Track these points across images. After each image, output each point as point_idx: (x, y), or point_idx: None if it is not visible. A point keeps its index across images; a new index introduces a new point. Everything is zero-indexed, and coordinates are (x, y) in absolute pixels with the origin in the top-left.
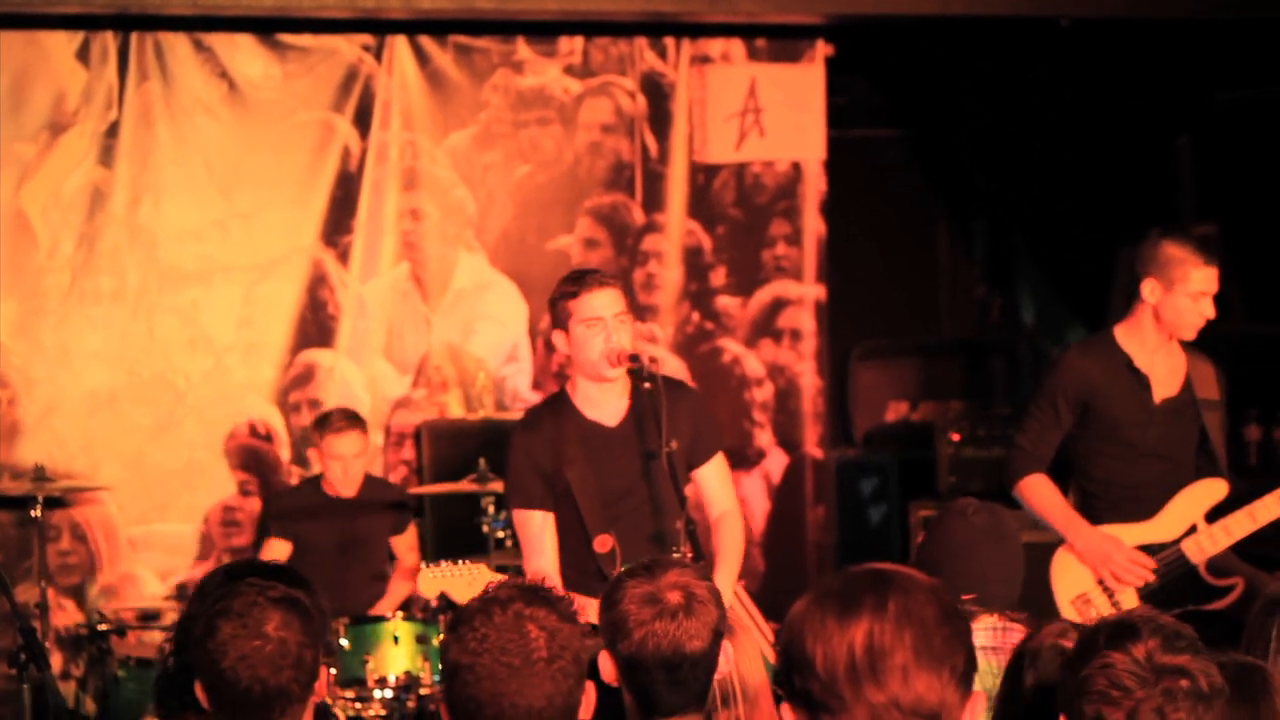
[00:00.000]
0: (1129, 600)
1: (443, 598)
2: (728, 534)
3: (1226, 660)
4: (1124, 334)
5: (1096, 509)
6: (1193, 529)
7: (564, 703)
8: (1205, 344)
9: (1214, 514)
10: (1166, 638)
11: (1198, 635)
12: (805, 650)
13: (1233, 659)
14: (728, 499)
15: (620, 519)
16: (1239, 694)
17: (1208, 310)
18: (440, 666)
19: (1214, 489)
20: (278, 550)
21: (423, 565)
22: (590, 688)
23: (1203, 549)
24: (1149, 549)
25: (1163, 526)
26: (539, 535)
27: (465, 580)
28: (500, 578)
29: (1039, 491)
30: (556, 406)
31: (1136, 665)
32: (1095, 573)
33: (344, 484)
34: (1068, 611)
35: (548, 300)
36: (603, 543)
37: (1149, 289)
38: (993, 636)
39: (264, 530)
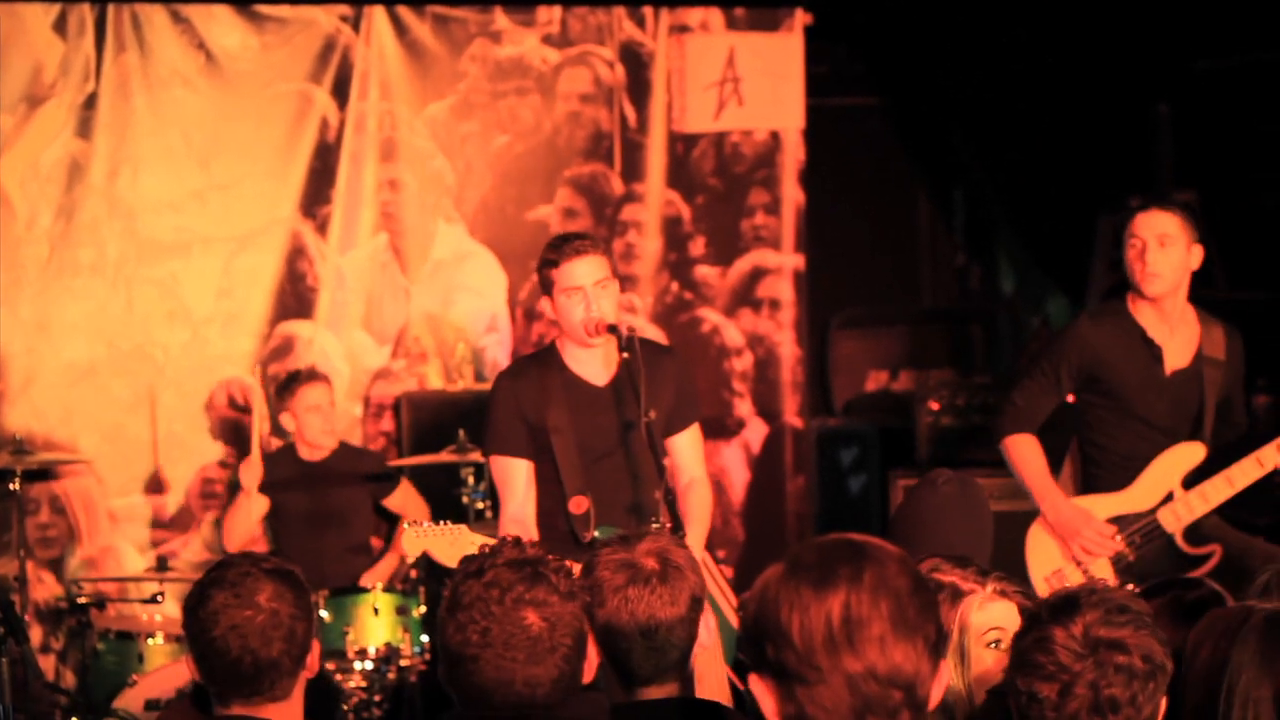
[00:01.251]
0: (1103, 571)
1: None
2: (696, 500)
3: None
4: (1134, 305)
5: (1095, 475)
6: (1169, 497)
7: (569, 681)
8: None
9: (1194, 478)
10: (1108, 611)
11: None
12: (780, 621)
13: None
14: (697, 467)
15: (599, 482)
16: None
17: (1147, 257)
18: (432, 644)
19: (1191, 453)
20: (255, 504)
21: (405, 525)
22: (592, 652)
23: (1179, 517)
24: (1125, 519)
25: (1139, 496)
26: (517, 481)
27: (447, 540)
28: (483, 539)
29: (1023, 452)
30: (545, 359)
31: (1072, 640)
32: (1066, 547)
33: (324, 434)
34: (1041, 587)
35: (536, 266)
36: (578, 503)
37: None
38: None
39: (236, 488)
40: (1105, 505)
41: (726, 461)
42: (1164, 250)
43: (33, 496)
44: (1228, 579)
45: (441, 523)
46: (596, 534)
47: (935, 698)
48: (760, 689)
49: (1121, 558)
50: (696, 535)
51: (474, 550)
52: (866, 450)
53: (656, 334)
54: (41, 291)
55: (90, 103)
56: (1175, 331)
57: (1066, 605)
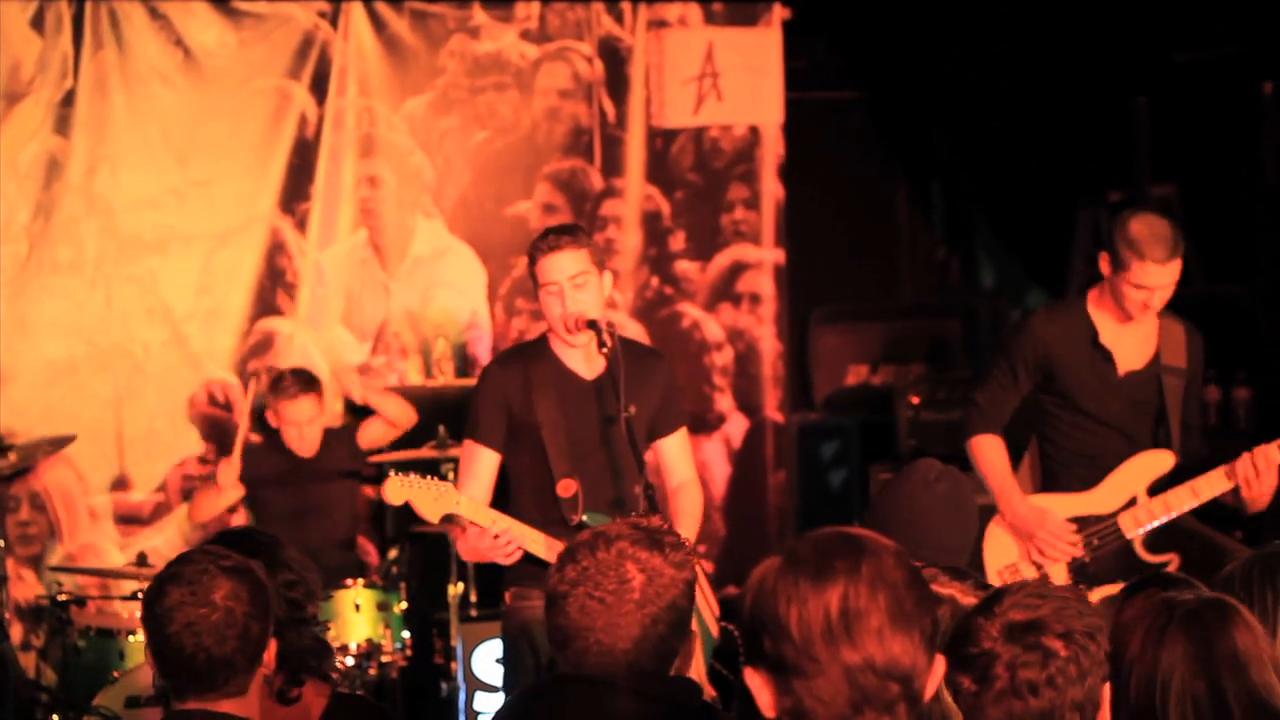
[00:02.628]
0: (1058, 574)
1: (404, 550)
2: (687, 499)
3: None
4: (1095, 302)
5: (1051, 470)
6: (1132, 501)
7: (654, 650)
8: (1165, 305)
9: (1160, 486)
10: (1026, 595)
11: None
12: (778, 613)
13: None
14: (687, 469)
15: (584, 473)
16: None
17: (1153, 303)
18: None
19: (1159, 461)
20: (227, 493)
21: (391, 473)
22: (698, 654)
23: (1138, 522)
24: (1085, 520)
25: (1101, 498)
26: (480, 470)
27: (432, 495)
28: (466, 498)
29: (986, 452)
30: (535, 349)
31: (990, 626)
32: (1024, 545)
33: (301, 447)
34: (995, 580)
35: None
36: (566, 486)
37: (1102, 262)
38: None
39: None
40: (1066, 505)
41: (707, 456)
42: (1165, 293)
43: (13, 494)
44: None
45: (429, 476)
46: (584, 518)
47: (930, 691)
48: (756, 682)
49: (1077, 560)
50: (686, 533)
51: (458, 509)
52: (847, 444)
53: (637, 329)
54: (20, 290)
55: (68, 100)
56: (1131, 333)
57: (993, 597)
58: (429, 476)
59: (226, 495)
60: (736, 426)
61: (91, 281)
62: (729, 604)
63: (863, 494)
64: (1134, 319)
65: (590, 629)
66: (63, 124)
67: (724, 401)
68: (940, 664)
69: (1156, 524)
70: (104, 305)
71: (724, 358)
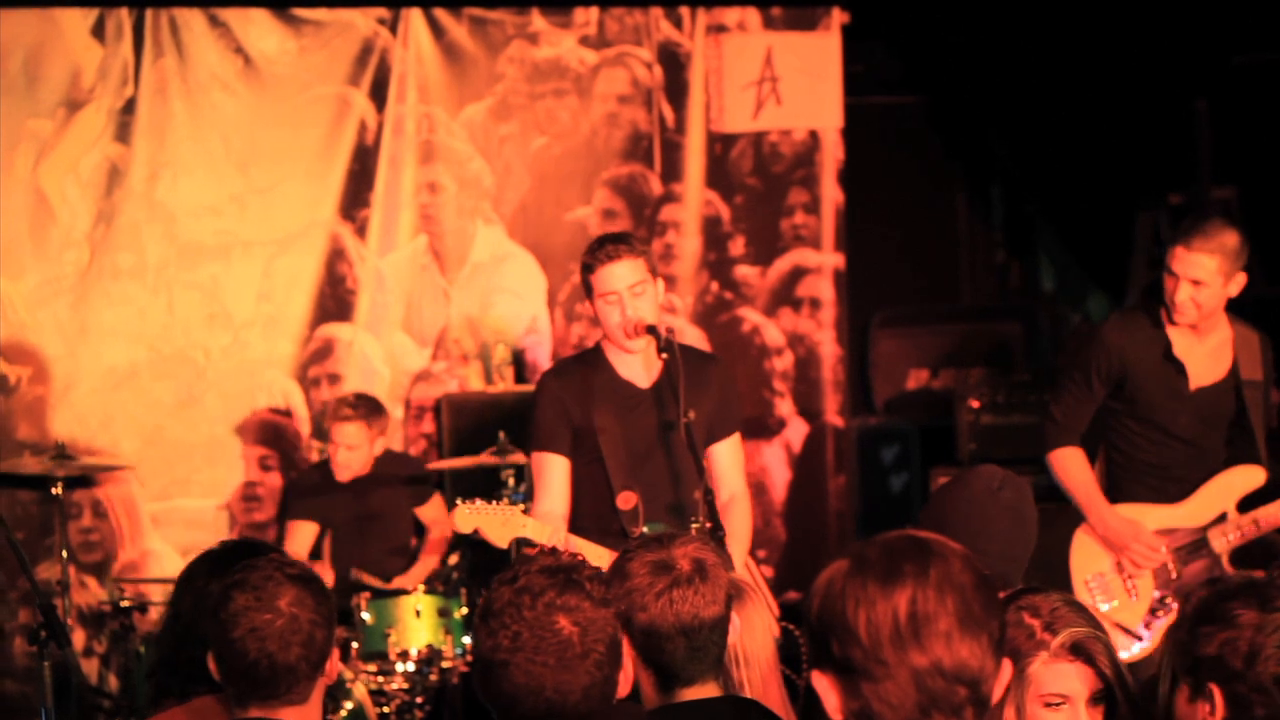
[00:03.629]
0: (1145, 585)
1: (467, 563)
2: (737, 517)
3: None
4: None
5: (1119, 478)
6: (1223, 517)
7: (601, 691)
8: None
9: (1248, 502)
10: None
11: None
12: (846, 616)
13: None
14: (737, 481)
15: (641, 482)
16: None
17: (1185, 295)
18: (469, 651)
19: (1250, 476)
20: (305, 532)
21: (459, 502)
22: (628, 662)
23: (1228, 539)
24: (1174, 534)
25: (1192, 511)
26: (554, 479)
27: (500, 519)
28: (535, 522)
29: (1068, 466)
30: (590, 360)
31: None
32: (1113, 555)
33: (345, 470)
34: (1080, 591)
35: (579, 280)
36: (626, 499)
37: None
38: None
39: (284, 513)
40: (1157, 517)
41: (768, 461)
42: (1197, 291)
43: (74, 501)
44: None
45: (494, 501)
46: (645, 529)
47: (997, 695)
48: (824, 685)
49: (1166, 571)
50: (737, 551)
51: (525, 532)
52: (908, 449)
53: (696, 334)
54: (82, 296)
55: (129, 107)
56: (1204, 345)
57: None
58: (495, 502)
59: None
60: (797, 431)
61: (153, 288)
62: (790, 609)
63: (923, 498)
64: (1176, 320)
65: (539, 690)
66: (124, 131)
67: (784, 406)
68: (1008, 668)
69: (1246, 540)
70: (165, 311)
71: (784, 362)
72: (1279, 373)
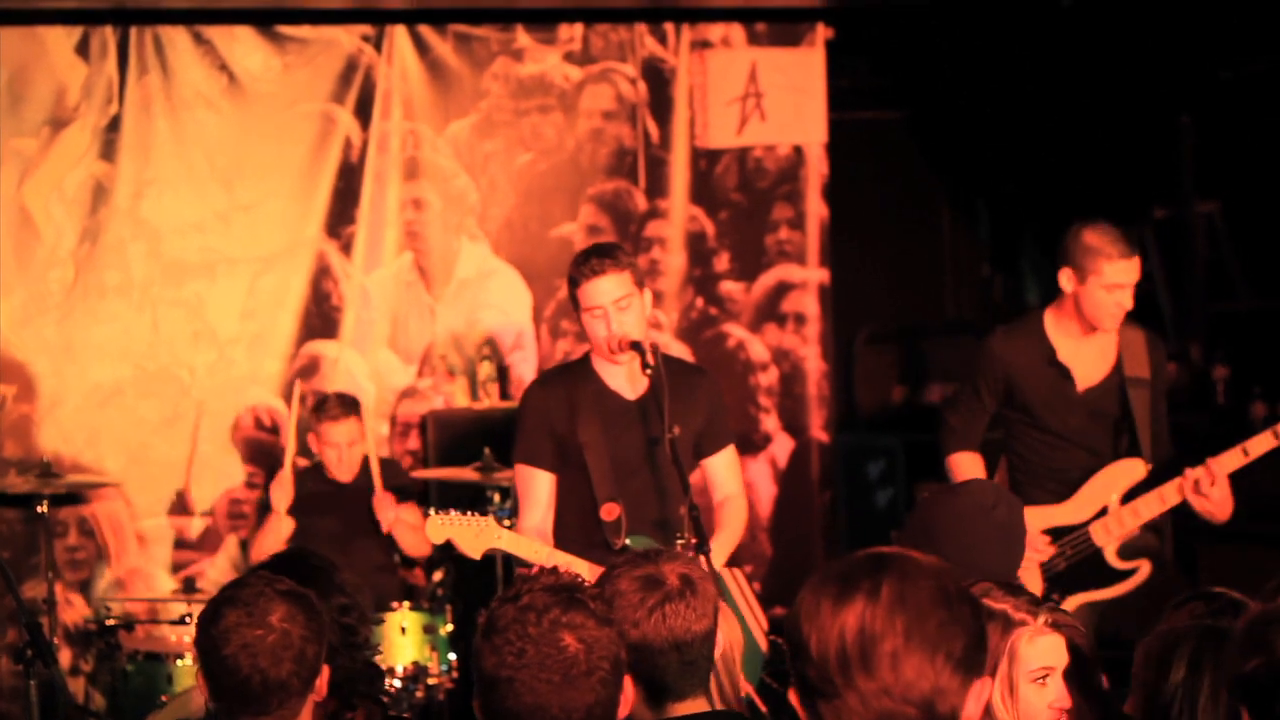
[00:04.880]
0: (1031, 581)
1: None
2: (731, 512)
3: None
4: (1053, 319)
5: (1021, 484)
6: (1104, 511)
7: (604, 710)
8: (1208, 323)
9: (1134, 494)
10: None
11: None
12: (801, 636)
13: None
14: (734, 484)
15: (627, 494)
16: None
17: (1125, 302)
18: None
19: (1131, 469)
20: (283, 525)
21: (431, 511)
22: (628, 683)
23: (1110, 531)
24: (1060, 531)
25: (1075, 508)
26: (538, 492)
27: (473, 531)
28: (509, 533)
29: (964, 468)
30: (577, 370)
31: None
32: None
33: (340, 470)
34: None
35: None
36: (609, 510)
37: (1065, 278)
38: None
39: (265, 508)
40: (1041, 517)
41: (753, 476)
42: (1129, 294)
43: (61, 519)
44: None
45: (468, 512)
46: (628, 541)
47: (974, 712)
48: (794, 700)
49: (1051, 566)
50: (726, 539)
51: (499, 544)
52: (893, 464)
53: (681, 350)
54: (67, 314)
55: (114, 125)
56: (1090, 347)
57: None
58: (469, 513)
59: (283, 526)
60: (782, 447)
61: (138, 306)
62: (776, 622)
63: (909, 513)
64: (1105, 328)
65: (545, 708)
66: (108, 149)
67: (769, 422)
68: (985, 685)
69: (1128, 531)
70: (151, 329)
71: (769, 378)
72: (1255, 385)
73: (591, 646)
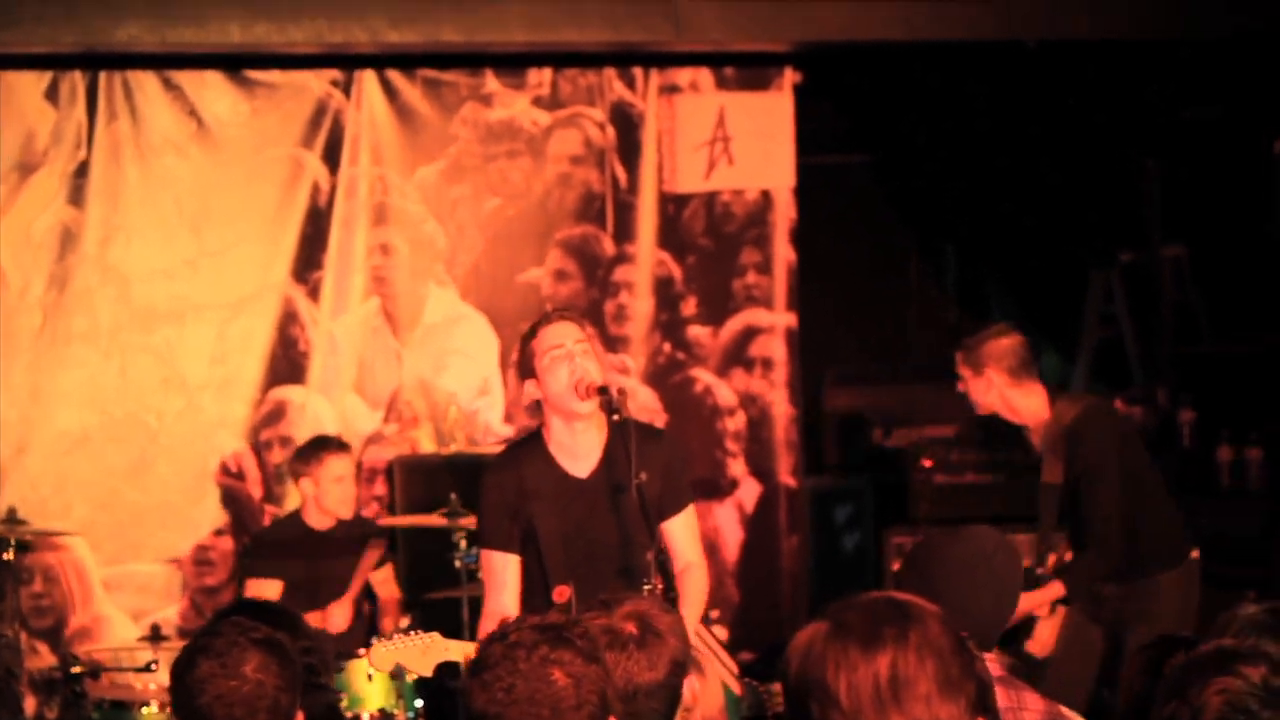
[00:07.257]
0: None
1: (416, 619)
2: (691, 583)
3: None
4: None
5: None
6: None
7: None
8: (1175, 366)
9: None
10: (1274, 664)
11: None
12: (826, 680)
13: None
14: (694, 552)
15: (588, 561)
16: None
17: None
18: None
19: None
20: (269, 590)
21: (374, 641)
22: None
23: None
24: None
25: None
26: (503, 575)
27: (419, 649)
28: (458, 644)
29: None
30: (530, 449)
31: (1255, 689)
32: None
33: (344, 504)
34: None
35: (517, 355)
36: (560, 593)
37: None
38: None
39: (245, 570)
40: None
41: (720, 521)
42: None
43: (26, 566)
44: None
45: (412, 632)
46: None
47: None
48: None
49: None
50: (689, 615)
51: (449, 657)
52: (861, 508)
53: (649, 395)
54: (35, 360)
55: (82, 170)
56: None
57: (1230, 657)
58: (411, 632)
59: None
60: (749, 491)
61: (106, 352)
62: (745, 668)
63: (877, 557)
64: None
65: None
66: (77, 195)
67: (736, 467)
68: None
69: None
70: (119, 375)
71: (736, 422)
72: (1222, 427)
73: (580, 681)
